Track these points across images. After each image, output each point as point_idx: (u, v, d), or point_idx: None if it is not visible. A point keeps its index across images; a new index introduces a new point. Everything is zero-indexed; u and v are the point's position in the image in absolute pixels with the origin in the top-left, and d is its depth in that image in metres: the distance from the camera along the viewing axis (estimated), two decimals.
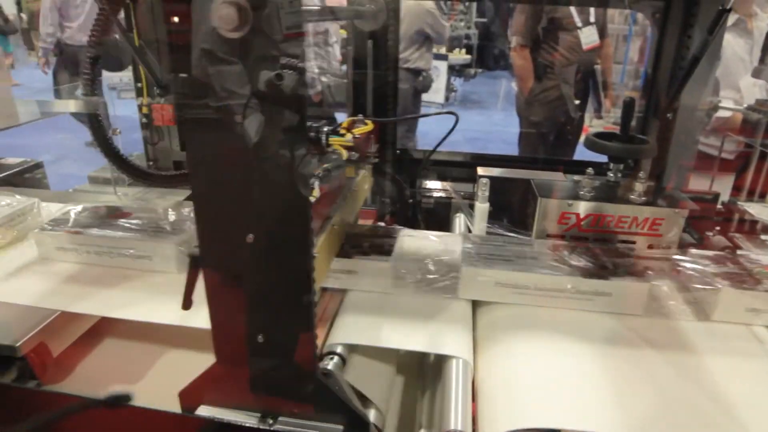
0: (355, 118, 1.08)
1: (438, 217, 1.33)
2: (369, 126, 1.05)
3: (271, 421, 0.70)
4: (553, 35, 3.04)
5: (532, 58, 3.09)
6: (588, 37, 3.08)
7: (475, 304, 0.96)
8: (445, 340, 0.84)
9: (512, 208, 1.22)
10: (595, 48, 3.09)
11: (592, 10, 2.98)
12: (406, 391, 0.99)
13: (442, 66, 7.60)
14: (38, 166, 1.81)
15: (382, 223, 1.12)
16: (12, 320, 1.00)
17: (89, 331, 1.10)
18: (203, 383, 0.71)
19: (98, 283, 1.04)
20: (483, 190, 1.07)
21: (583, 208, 1.07)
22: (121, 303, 0.98)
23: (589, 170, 1.12)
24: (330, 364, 0.75)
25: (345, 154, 0.88)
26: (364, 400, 0.78)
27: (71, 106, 1.93)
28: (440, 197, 1.36)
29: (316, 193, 0.74)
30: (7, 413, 0.79)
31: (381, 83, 1.26)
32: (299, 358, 0.67)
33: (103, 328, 1.12)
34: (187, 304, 0.75)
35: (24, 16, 9.98)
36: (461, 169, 1.49)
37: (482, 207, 1.08)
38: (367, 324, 0.88)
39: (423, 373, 1.01)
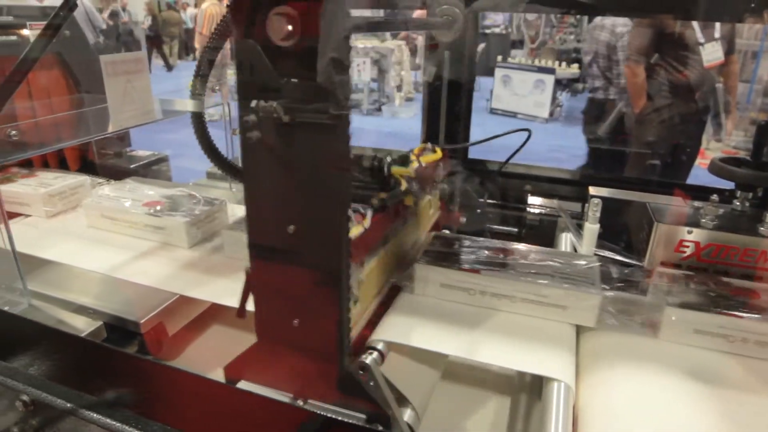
0: (425, 145, 1.11)
1: (543, 234, 1.29)
2: (437, 154, 1.08)
3: (301, 402, 0.77)
4: (671, 51, 2.88)
5: (646, 75, 2.94)
6: (710, 54, 2.88)
7: (579, 328, 0.93)
8: (548, 362, 0.81)
9: (622, 232, 1.17)
10: (718, 65, 2.88)
11: (717, 24, 2.79)
12: (497, 407, 0.98)
13: (548, 80, 7.40)
14: (163, 159, 1.97)
15: (446, 231, 1.15)
16: (137, 299, 1.10)
17: (200, 316, 1.18)
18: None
19: (213, 272, 1.12)
20: (594, 211, 1.03)
21: (704, 236, 1.00)
22: (233, 292, 1.04)
23: (714, 197, 1.04)
24: (368, 358, 0.77)
25: (404, 184, 0.93)
26: (404, 399, 0.80)
27: (190, 105, 2.09)
28: (545, 214, 1.33)
29: (367, 223, 0.82)
30: (126, 382, 0.86)
31: (457, 96, 1.28)
32: (329, 346, 0.72)
33: (212, 314, 1.19)
34: (242, 312, 0.82)
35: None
36: (567, 186, 1.44)
37: (592, 228, 1.04)
38: (411, 325, 0.89)
39: (516, 391, 0.99)
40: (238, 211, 1.39)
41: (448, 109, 1.38)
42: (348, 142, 0.63)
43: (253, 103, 0.62)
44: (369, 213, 0.84)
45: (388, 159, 0.93)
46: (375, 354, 0.79)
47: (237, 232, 1.17)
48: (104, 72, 1.19)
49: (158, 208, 1.28)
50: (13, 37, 1.57)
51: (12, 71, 0.91)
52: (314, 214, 0.67)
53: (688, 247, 1.01)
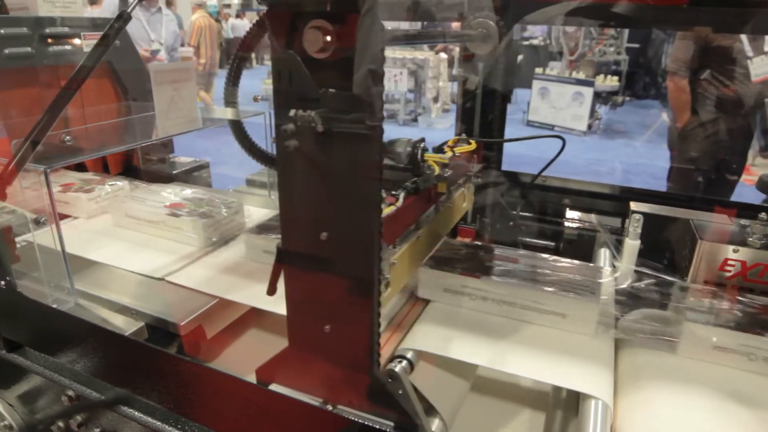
0: (459, 137, 1.11)
1: (581, 249, 1.27)
2: (471, 146, 1.09)
3: (330, 407, 0.76)
4: (717, 65, 2.80)
5: (690, 89, 2.87)
6: (759, 68, 2.80)
7: (618, 345, 0.91)
8: (584, 378, 0.80)
9: (663, 249, 1.14)
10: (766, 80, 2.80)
11: (767, 37, 2.71)
12: (531, 424, 0.96)
13: (586, 92, 7.30)
14: (204, 166, 2.02)
15: (478, 242, 1.16)
16: (178, 301, 1.13)
17: (238, 320, 1.20)
18: None
19: (252, 277, 1.14)
20: (635, 227, 1.01)
21: (751, 256, 0.97)
22: (272, 297, 1.05)
23: (762, 215, 1.01)
24: (397, 366, 0.77)
25: (437, 169, 0.94)
26: (432, 409, 0.80)
27: (230, 114, 2.14)
28: (584, 229, 1.31)
29: (399, 202, 0.84)
30: (166, 382, 0.88)
31: (490, 105, 1.28)
32: (359, 353, 0.71)
33: (250, 318, 1.21)
34: (271, 290, 0.81)
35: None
36: (606, 201, 1.42)
37: (632, 244, 1.01)
38: (442, 335, 0.89)
39: (551, 407, 0.97)
40: (138, 193, 1.57)
41: (481, 119, 1.39)
42: (381, 152, 0.64)
43: (292, 113, 0.64)
44: (402, 194, 0.86)
45: (422, 145, 0.95)
46: (404, 363, 0.79)
47: (122, 206, 1.41)
48: (152, 81, 1.23)
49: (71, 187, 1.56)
50: (68, 47, 1.64)
51: (69, 80, 0.95)
52: (347, 222, 0.68)
53: (733, 266, 0.99)
